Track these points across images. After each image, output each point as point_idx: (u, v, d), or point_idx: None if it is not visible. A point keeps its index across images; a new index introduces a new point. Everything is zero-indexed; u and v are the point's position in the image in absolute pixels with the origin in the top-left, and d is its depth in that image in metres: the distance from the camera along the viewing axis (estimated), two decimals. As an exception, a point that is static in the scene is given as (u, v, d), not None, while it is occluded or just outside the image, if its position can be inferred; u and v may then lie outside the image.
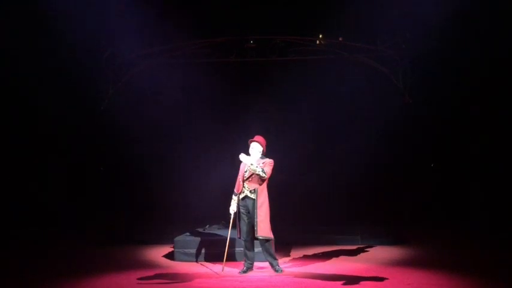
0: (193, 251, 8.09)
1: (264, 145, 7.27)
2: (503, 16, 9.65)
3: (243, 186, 7.16)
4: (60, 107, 11.28)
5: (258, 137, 7.29)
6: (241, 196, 7.18)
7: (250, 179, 7.12)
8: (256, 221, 7.00)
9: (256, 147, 7.22)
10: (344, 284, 6.43)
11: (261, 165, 7.07)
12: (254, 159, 7.13)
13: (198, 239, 8.24)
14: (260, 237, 7.01)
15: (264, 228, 7.00)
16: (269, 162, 7.17)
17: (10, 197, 11.20)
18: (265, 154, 7.29)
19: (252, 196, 7.10)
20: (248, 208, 7.14)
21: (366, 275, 6.78)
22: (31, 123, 11.40)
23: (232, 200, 7.24)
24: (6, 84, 10.82)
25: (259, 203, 7.06)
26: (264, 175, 7.00)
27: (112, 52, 10.82)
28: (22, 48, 10.46)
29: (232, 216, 7.25)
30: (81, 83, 11.04)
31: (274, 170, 7.17)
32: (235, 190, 7.27)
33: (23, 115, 11.32)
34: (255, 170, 6.98)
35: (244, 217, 7.18)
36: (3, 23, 10.00)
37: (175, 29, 10.45)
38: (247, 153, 7.24)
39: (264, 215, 7.04)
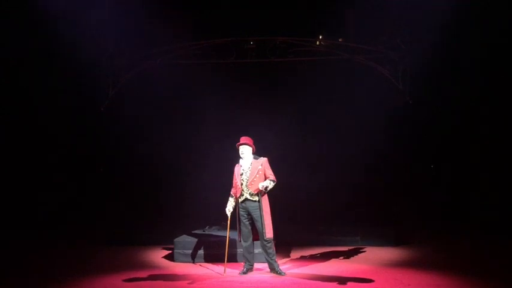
0: (193, 252, 8.10)
1: (253, 144, 7.30)
2: (503, 16, 9.65)
3: (242, 190, 7.16)
4: (61, 108, 11.29)
5: (245, 139, 7.28)
6: (240, 199, 7.19)
7: (252, 183, 7.12)
8: (264, 224, 7.02)
9: (247, 150, 7.24)
10: (344, 284, 6.45)
11: (261, 170, 7.13)
12: (249, 162, 7.19)
13: (198, 240, 8.25)
14: (270, 240, 7.04)
15: (270, 230, 7.05)
16: (267, 165, 7.22)
17: (10, 197, 11.21)
18: (255, 152, 7.32)
19: (253, 198, 7.11)
20: (248, 210, 7.15)
21: (366, 276, 6.80)
22: (32, 123, 11.40)
23: (229, 202, 7.29)
24: (6, 84, 10.82)
25: (264, 205, 7.10)
26: (274, 183, 7.10)
27: (112, 53, 10.83)
28: (22, 49, 10.47)
29: (229, 217, 7.29)
30: (82, 84, 11.04)
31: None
32: (231, 193, 7.33)
33: (24, 115, 11.33)
34: (269, 186, 7.05)
35: (243, 220, 7.20)
36: (4, 23, 10.01)
37: (175, 30, 10.46)
38: (238, 157, 7.26)
39: (269, 217, 7.10)
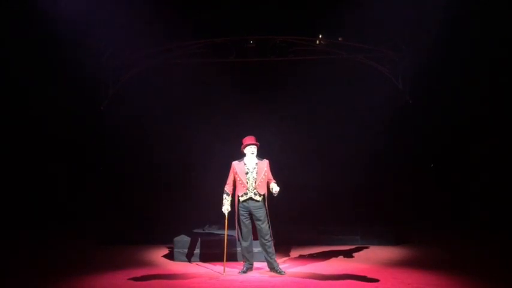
0: (193, 251, 8.10)
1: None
2: (504, 16, 9.65)
3: (247, 189, 7.15)
4: (61, 107, 11.29)
5: (252, 139, 7.28)
6: (242, 198, 7.17)
7: (259, 184, 7.12)
8: (269, 225, 7.05)
9: (255, 150, 7.26)
10: (344, 284, 6.45)
11: (267, 172, 7.17)
12: (254, 162, 7.20)
13: (198, 239, 8.24)
14: (270, 239, 7.04)
15: (270, 230, 7.07)
16: (270, 168, 7.24)
17: (10, 196, 11.21)
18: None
19: (258, 199, 7.11)
20: (249, 210, 7.14)
21: (366, 275, 6.79)
22: (31, 123, 11.41)
23: (225, 200, 7.25)
24: (6, 84, 10.83)
25: (267, 206, 7.11)
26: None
27: (112, 52, 10.84)
28: (22, 49, 10.47)
29: (226, 216, 7.29)
30: (82, 83, 11.05)
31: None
32: (227, 190, 7.27)
33: (24, 115, 11.33)
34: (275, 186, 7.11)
35: (243, 219, 7.18)
36: (4, 24, 10.01)
37: (175, 29, 10.46)
38: (240, 156, 7.26)
39: (269, 217, 7.10)
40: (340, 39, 10.68)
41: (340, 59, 10.83)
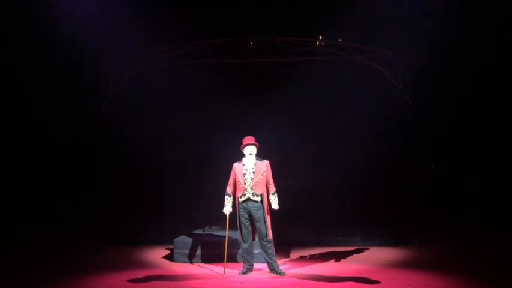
0: (193, 252, 8.10)
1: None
2: (503, 16, 9.66)
3: (245, 190, 7.15)
4: (61, 108, 11.30)
5: (251, 139, 7.28)
6: (241, 199, 7.18)
7: (256, 183, 7.11)
8: (266, 225, 7.05)
9: (254, 150, 7.24)
10: (344, 285, 6.45)
11: (265, 172, 7.13)
12: (252, 162, 7.18)
13: (198, 240, 8.24)
14: (270, 240, 7.04)
15: (270, 231, 7.07)
16: (270, 169, 7.22)
17: (10, 197, 11.22)
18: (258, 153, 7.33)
19: (256, 199, 7.11)
20: (249, 210, 7.14)
21: (366, 276, 6.79)
22: (32, 123, 11.41)
23: (226, 201, 7.27)
24: (6, 85, 10.83)
25: (266, 207, 7.10)
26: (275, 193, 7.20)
27: (112, 53, 10.83)
28: (22, 49, 10.47)
29: (227, 217, 7.29)
30: (82, 84, 11.05)
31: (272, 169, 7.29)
32: (228, 191, 7.29)
33: (24, 115, 11.33)
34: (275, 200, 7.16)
35: (243, 220, 7.19)
36: (4, 24, 10.01)
37: (175, 30, 10.46)
38: (241, 156, 7.26)
39: (269, 218, 7.12)
40: (340, 40, 10.67)
41: (340, 60, 10.82)
